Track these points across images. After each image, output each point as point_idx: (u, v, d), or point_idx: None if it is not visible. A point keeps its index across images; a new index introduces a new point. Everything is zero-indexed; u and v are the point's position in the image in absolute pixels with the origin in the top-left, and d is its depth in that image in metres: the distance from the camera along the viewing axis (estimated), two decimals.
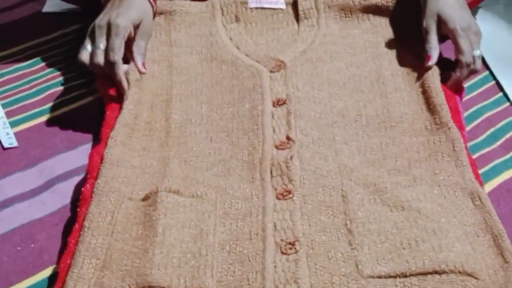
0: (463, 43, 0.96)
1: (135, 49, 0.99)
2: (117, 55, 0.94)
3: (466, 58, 0.96)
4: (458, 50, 0.97)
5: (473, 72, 0.98)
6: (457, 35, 0.96)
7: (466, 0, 1.06)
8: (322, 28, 1.09)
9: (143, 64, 0.99)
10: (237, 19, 1.10)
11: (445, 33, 0.99)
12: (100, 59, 0.94)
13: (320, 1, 1.11)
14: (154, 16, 1.07)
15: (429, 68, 0.97)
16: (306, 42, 1.06)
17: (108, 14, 0.96)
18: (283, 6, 1.10)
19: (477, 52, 0.98)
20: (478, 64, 0.98)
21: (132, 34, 0.98)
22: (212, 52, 1.06)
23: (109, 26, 0.95)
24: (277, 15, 1.10)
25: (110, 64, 0.94)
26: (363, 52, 1.05)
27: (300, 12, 1.10)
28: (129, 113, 0.93)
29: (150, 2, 1.02)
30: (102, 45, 0.95)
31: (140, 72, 0.98)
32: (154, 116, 0.96)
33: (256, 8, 1.10)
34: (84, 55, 0.96)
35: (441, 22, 0.98)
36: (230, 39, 1.07)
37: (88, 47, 0.96)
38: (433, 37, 0.99)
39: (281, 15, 1.10)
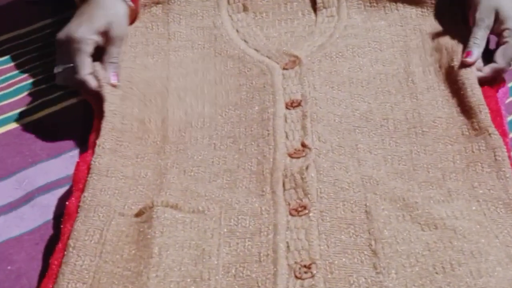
0: None
1: (105, 57, 1.00)
2: (83, 73, 0.96)
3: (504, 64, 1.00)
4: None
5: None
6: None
7: None
8: (343, 19, 1.09)
9: (115, 74, 0.99)
10: (245, 9, 1.10)
11: (496, 32, 1.00)
12: (65, 79, 0.99)
13: None
14: (135, 14, 1.08)
15: (465, 64, 0.98)
16: (325, 35, 1.06)
17: (69, 26, 0.98)
18: None
19: None
20: None
21: (101, 43, 0.99)
22: (216, 47, 1.06)
23: (68, 41, 0.97)
24: (291, 4, 1.11)
25: (80, 83, 0.97)
26: (390, 47, 1.05)
27: (318, 1, 1.10)
28: (113, 115, 0.93)
29: (125, 1, 1.03)
30: (65, 63, 0.98)
31: (111, 85, 0.98)
32: (148, 113, 0.96)
33: None
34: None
35: (497, 20, 0.99)
36: (237, 31, 1.07)
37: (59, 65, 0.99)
38: (481, 33, 1.00)
39: (296, 4, 1.11)
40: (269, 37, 1.07)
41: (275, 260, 0.75)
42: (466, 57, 0.98)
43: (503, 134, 0.90)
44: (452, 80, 0.98)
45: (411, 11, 1.10)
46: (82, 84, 0.97)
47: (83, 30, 0.97)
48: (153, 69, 1.03)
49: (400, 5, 1.11)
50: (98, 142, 0.90)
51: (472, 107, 0.92)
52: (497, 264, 0.73)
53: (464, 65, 0.98)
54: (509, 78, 1.04)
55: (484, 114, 0.91)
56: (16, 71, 1.12)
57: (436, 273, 0.73)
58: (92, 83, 0.96)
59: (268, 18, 1.10)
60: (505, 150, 0.87)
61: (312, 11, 1.11)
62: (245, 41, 1.06)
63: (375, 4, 1.11)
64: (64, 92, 1.06)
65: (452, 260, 0.74)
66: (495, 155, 0.86)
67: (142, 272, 0.74)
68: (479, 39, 0.99)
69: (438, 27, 1.08)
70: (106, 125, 0.92)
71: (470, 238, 0.76)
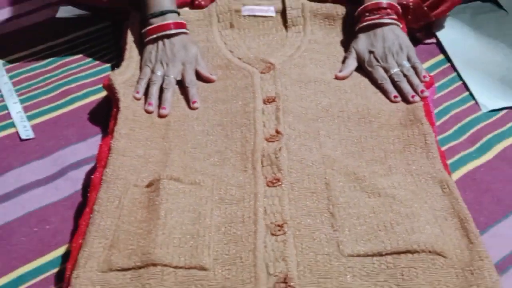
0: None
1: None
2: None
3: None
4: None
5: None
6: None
7: (436, 10, 1.07)
8: (308, 34, 1.08)
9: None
10: (232, 26, 1.09)
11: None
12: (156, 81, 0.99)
13: (306, 10, 1.10)
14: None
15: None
16: (293, 47, 1.05)
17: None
18: (273, 14, 1.10)
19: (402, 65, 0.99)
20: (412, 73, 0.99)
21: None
22: (208, 57, 1.05)
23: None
24: (268, 22, 1.10)
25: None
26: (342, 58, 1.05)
27: (288, 20, 1.09)
28: (126, 109, 0.92)
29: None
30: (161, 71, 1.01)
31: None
32: (155, 110, 0.95)
33: (249, 15, 1.10)
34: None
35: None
36: (225, 43, 1.07)
37: (146, 68, 1.01)
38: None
39: (271, 22, 1.10)
40: (250, 48, 1.06)
41: (255, 221, 0.75)
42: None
43: (431, 123, 0.90)
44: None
45: None
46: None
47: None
48: None
49: (351, 24, 1.09)
50: (115, 128, 0.89)
51: (412, 107, 0.92)
52: (426, 223, 0.74)
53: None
54: (436, 79, 1.04)
55: (419, 110, 0.91)
56: (52, 73, 1.11)
57: (380, 230, 0.73)
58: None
59: (249, 33, 1.09)
60: (433, 136, 0.87)
61: (283, 28, 1.10)
62: (231, 51, 1.05)
63: (333, 23, 1.10)
64: (89, 90, 1.06)
65: (391, 220, 0.74)
66: (425, 140, 0.86)
67: (151, 230, 0.74)
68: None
69: None
70: (121, 115, 0.91)
71: (406, 203, 0.76)
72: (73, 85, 1.07)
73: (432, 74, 1.04)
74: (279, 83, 0.96)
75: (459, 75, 1.06)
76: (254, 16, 1.10)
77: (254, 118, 0.90)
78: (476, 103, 1.01)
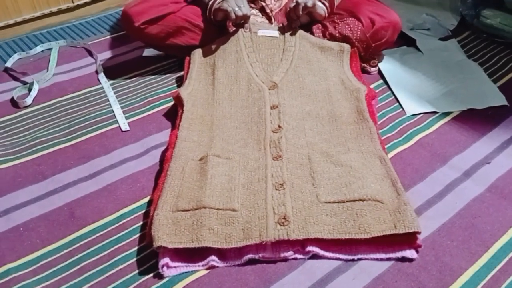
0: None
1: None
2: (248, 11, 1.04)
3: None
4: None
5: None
6: None
7: (374, 46, 1.04)
8: (297, 50, 1.04)
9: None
10: (252, 41, 1.05)
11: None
12: (239, 13, 1.02)
13: (297, 33, 1.06)
14: None
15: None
16: (287, 62, 1.01)
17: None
18: (277, 35, 1.07)
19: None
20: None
21: None
22: (238, 69, 1.00)
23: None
24: (273, 40, 1.06)
25: (244, 16, 1.03)
26: (317, 75, 1.01)
27: (286, 38, 1.06)
28: (188, 112, 0.92)
29: None
30: (237, 7, 1.03)
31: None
32: (205, 112, 0.94)
33: (262, 35, 1.06)
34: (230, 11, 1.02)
35: None
36: (248, 56, 1.03)
37: (229, 8, 1.02)
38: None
39: (276, 40, 1.06)
40: (262, 63, 1.02)
41: (266, 182, 0.75)
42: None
43: (374, 122, 0.89)
44: (353, 97, 0.94)
45: (328, 55, 1.06)
46: (245, 16, 1.04)
47: None
48: (206, 88, 0.99)
49: (324, 52, 1.06)
50: (180, 124, 0.89)
51: (362, 111, 0.90)
52: (371, 182, 0.74)
53: (356, 87, 0.95)
54: (378, 95, 1.03)
55: (366, 113, 0.89)
56: (140, 90, 1.10)
57: (342, 187, 0.73)
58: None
59: (262, 47, 1.04)
60: (375, 129, 0.86)
61: (283, 44, 1.05)
62: (251, 65, 1.01)
63: (312, 46, 1.06)
64: (164, 100, 1.05)
65: (350, 181, 0.74)
66: (370, 131, 0.86)
67: (202, 187, 0.74)
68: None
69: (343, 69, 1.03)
70: (184, 116, 0.91)
71: (359, 170, 0.76)
72: (154, 97, 1.07)
73: (376, 91, 1.03)
74: (280, 96, 0.94)
75: (392, 92, 1.05)
76: (265, 36, 1.06)
77: (265, 118, 0.89)
78: (403, 109, 1.00)
